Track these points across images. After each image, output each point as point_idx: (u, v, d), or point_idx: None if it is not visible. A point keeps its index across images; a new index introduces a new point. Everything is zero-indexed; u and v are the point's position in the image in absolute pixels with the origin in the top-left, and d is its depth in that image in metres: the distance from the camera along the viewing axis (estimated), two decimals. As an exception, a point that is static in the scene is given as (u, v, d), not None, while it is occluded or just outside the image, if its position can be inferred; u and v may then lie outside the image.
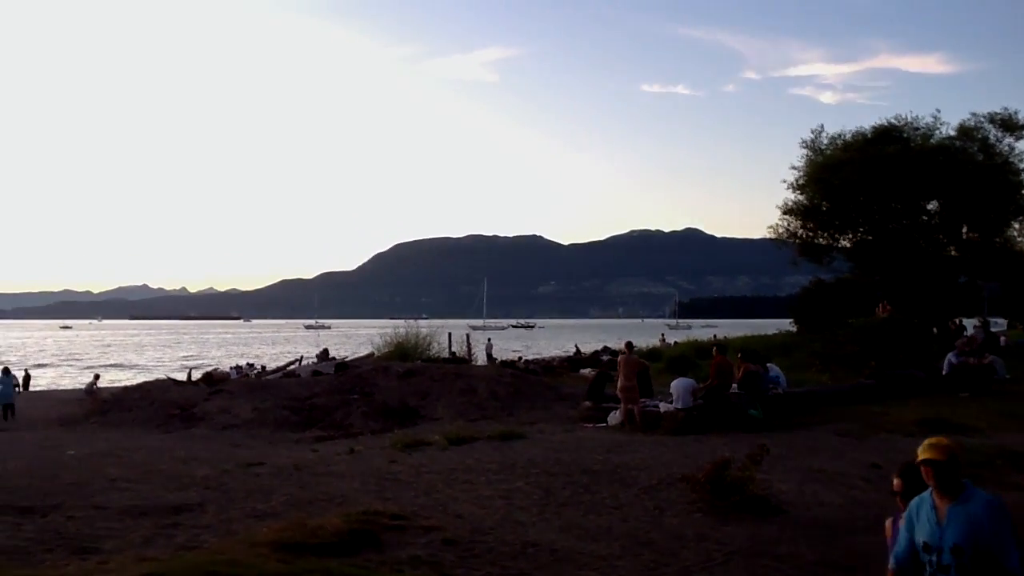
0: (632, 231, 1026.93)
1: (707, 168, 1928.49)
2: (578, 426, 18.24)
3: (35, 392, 37.74)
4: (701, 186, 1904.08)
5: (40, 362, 73.11)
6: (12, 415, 25.75)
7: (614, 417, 18.02)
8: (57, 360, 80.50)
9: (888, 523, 5.10)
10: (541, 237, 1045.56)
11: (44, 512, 10.12)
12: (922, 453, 4.48)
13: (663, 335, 50.01)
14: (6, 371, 27.88)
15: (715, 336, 43.06)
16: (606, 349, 40.45)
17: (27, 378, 39.52)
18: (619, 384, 17.81)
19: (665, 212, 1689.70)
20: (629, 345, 19.43)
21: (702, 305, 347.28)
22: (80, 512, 10.09)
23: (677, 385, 17.63)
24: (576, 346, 52.55)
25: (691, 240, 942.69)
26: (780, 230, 33.84)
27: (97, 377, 35.04)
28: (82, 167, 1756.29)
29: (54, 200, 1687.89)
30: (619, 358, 19.07)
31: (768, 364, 19.62)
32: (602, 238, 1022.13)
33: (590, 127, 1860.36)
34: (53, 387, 44.92)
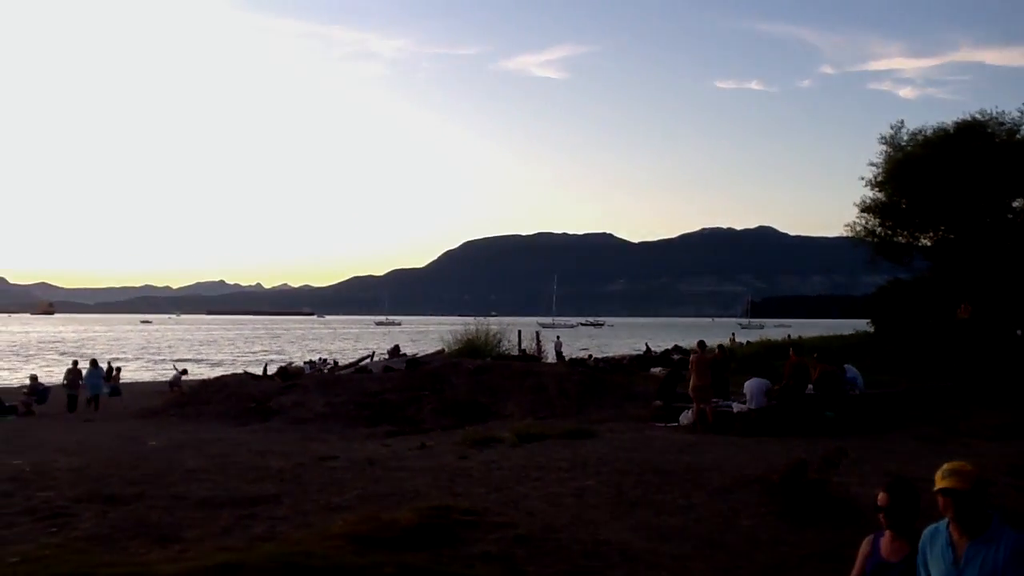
0: (703, 229, 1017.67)
1: (781, 165, 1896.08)
2: (649, 425, 18.12)
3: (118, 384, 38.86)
4: (775, 183, 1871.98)
5: (121, 355, 75.37)
6: (96, 406, 26.67)
7: (686, 417, 17.86)
8: (138, 354, 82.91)
9: (865, 542, 4.67)
10: (611, 235, 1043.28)
11: (127, 501, 10.43)
12: (941, 480, 3.88)
13: (734, 334, 49.37)
14: (94, 363, 28.93)
15: (788, 336, 42.32)
16: (676, 348, 40.07)
17: (110, 371, 40.74)
18: (691, 383, 17.63)
19: (737, 210, 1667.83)
20: (701, 344, 19.23)
21: (774, 304, 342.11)
22: (161, 502, 10.37)
23: (751, 385, 17.39)
24: (646, 344, 52.22)
25: (764, 238, 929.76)
26: (857, 228, 33.02)
27: (185, 372, 36.03)
28: (163, 167, 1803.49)
29: (136, 198, 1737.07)
30: (691, 357, 18.89)
31: (845, 365, 19.23)
32: (672, 236, 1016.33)
33: (662, 124, 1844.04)
34: (134, 380, 46.30)
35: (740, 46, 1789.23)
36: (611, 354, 47.50)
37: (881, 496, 4.41)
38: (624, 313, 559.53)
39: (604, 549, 8.15)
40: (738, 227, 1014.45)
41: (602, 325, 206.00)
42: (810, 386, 17.58)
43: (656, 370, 28.55)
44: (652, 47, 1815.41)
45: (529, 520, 9.21)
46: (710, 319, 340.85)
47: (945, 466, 3.94)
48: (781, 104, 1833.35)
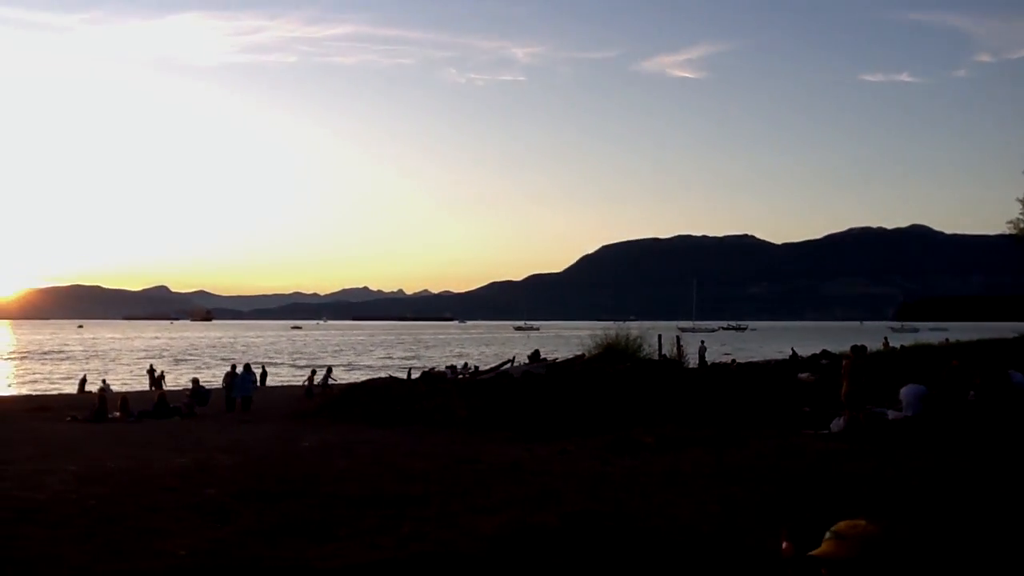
0: (851, 228, 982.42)
1: (935, 160, 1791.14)
2: (797, 432, 17.53)
3: (270, 387, 40.72)
4: (928, 179, 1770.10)
5: (274, 360, 78.77)
6: (246, 408, 28.00)
7: (837, 424, 17.19)
8: (289, 358, 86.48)
9: None
10: (752, 236, 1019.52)
11: (283, 499, 10.87)
12: (823, 544, 2.79)
13: (886, 338, 47.25)
14: (247, 368, 30.34)
15: (947, 340, 40.22)
16: (825, 353, 38.66)
17: (264, 374, 42.75)
18: (843, 389, 16.98)
19: (888, 207, 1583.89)
20: (854, 348, 18.51)
21: (928, 307, 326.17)
22: (315, 500, 10.76)
23: (907, 392, 16.62)
24: (792, 349, 50.66)
25: (916, 237, 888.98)
26: (1021, 225, 31.19)
27: (330, 370, 37.91)
28: (311, 183, 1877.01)
29: (286, 210, 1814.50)
30: (843, 362, 18.19)
31: (1010, 371, 18.09)
32: (818, 236, 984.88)
33: (806, 120, 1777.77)
34: (286, 383, 48.33)
35: (887, 37, 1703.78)
36: (755, 358, 46.37)
37: (784, 545, 3.15)
38: (766, 317, 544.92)
39: (754, 558, 7.93)
40: (888, 226, 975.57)
41: (744, 329, 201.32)
42: (972, 392, 16.64)
43: (804, 375, 27.63)
44: (793, 42, 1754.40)
45: (675, 527, 9.07)
46: (858, 322, 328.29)
47: (836, 525, 2.81)
48: (933, 96, 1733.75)
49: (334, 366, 52.44)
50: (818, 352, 40.50)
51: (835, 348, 38.31)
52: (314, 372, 38.92)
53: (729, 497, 10.77)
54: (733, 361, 39.10)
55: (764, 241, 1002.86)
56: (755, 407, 21.00)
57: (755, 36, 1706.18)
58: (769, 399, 21.99)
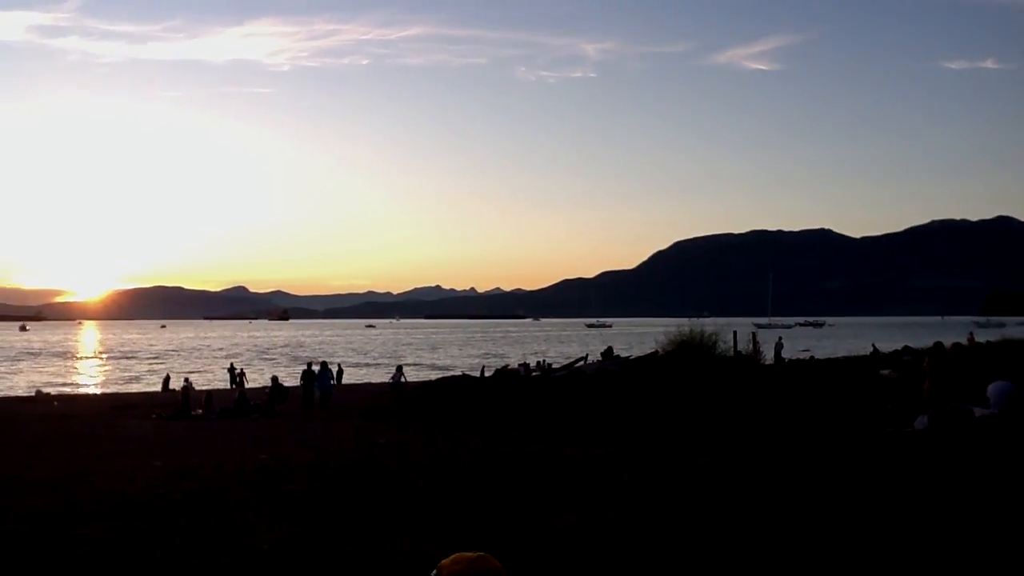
0: (933, 221, 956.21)
1: (1021, 149, 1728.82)
2: (878, 431, 17.13)
3: (347, 385, 41.37)
4: (1014, 169, 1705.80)
5: (349, 357, 79.96)
6: (325, 404, 28.50)
7: (921, 422, 16.74)
8: (365, 356, 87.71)
9: None
10: (830, 231, 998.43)
11: (361, 494, 11.04)
12: None
13: (972, 333, 45.83)
14: (324, 365, 30.89)
15: (1035, 334, 38.82)
16: (907, 348, 37.72)
17: (340, 372, 43.45)
18: (925, 386, 16.54)
19: (972, 199, 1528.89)
20: (938, 344, 18.01)
21: (1015, 300, 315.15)
22: (392, 496, 10.88)
23: (994, 389, 16.07)
24: (873, 345, 49.53)
25: (1002, 229, 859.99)
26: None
27: (400, 369, 38.53)
28: (387, 184, 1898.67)
29: (360, 211, 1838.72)
30: (925, 359, 17.71)
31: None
32: (898, 229, 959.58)
33: (885, 110, 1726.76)
34: (362, 380, 49.10)
35: (970, 22, 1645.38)
36: (834, 355, 45.45)
37: None
38: (843, 312, 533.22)
39: (830, 557, 7.78)
40: (973, 218, 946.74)
41: (822, 325, 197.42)
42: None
43: (885, 372, 26.99)
44: (871, 29, 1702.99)
45: (751, 524, 8.94)
46: (940, 317, 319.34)
47: (443, 559, 2.51)
48: (1020, 83, 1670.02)
49: (407, 364, 53.21)
50: (900, 348, 39.55)
51: (917, 344, 37.37)
52: (399, 369, 39.76)
53: (812, 494, 10.58)
54: (811, 357, 38.43)
55: (842, 235, 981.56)
56: (835, 404, 20.58)
57: (831, 25, 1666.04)
58: (849, 396, 21.53)
